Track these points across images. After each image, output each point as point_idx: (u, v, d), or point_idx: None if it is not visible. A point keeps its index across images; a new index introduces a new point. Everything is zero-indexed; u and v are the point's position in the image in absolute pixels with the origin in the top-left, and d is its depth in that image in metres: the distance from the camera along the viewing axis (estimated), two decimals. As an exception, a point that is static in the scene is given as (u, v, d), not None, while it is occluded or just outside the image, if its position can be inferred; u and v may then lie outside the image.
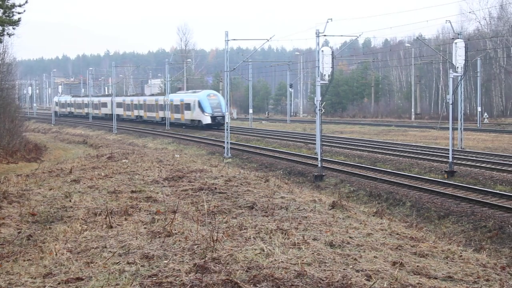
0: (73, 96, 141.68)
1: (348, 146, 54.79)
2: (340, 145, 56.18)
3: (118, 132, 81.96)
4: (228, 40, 51.56)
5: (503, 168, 39.07)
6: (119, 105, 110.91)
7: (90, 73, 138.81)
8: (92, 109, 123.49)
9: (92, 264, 12.83)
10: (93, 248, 14.23)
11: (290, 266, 12.47)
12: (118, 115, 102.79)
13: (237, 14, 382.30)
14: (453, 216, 27.21)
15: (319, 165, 38.81)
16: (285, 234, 15.34)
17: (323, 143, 43.56)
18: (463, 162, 41.84)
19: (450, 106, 39.42)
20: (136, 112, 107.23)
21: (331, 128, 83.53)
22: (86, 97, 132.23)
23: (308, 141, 59.35)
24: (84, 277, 11.96)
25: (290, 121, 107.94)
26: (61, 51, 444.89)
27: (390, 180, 36.54)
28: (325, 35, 42.42)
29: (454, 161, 39.18)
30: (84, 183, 24.96)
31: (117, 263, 12.77)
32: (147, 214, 17.97)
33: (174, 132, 79.89)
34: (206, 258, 12.81)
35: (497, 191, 32.06)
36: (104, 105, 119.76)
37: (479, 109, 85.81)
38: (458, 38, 40.60)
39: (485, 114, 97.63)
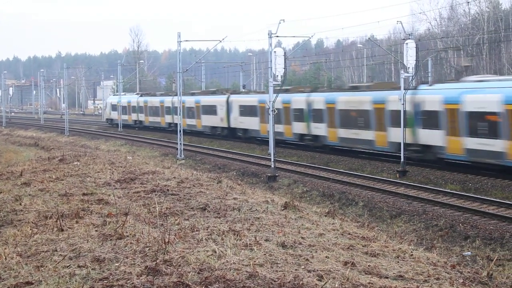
0: (142, 95, 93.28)
1: (301, 147, 54.90)
2: (291, 146, 56.31)
3: (70, 134, 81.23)
4: (180, 42, 51.44)
5: (454, 167, 39.49)
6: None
7: (42, 75, 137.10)
8: (187, 117, 73.56)
9: (42, 268, 12.67)
10: (43, 251, 14.06)
11: (242, 267, 12.45)
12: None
13: (189, 16, 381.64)
14: (405, 216, 27.43)
15: (272, 166, 38.87)
16: (237, 235, 15.32)
17: (276, 143, 43.64)
18: (415, 162, 42.17)
19: (402, 106, 39.70)
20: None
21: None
22: (167, 96, 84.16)
23: (261, 142, 59.38)
24: (34, 281, 11.81)
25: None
26: (12, 53, 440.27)
27: (343, 180, 36.74)
28: (277, 36, 42.51)
29: (406, 160, 39.50)
30: (35, 186, 24.67)
31: (67, 266, 12.63)
32: (99, 217, 17.81)
33: (126, 134, 79.41)
34: (158, 261, 12.73)
35: (448, 190, 32.43)
36: (213, 111, 69.05)
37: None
38: (409, 38, 40.90)
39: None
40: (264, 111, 54.04)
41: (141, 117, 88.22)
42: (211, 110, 68.76)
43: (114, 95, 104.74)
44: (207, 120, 69.88)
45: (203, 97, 72.55)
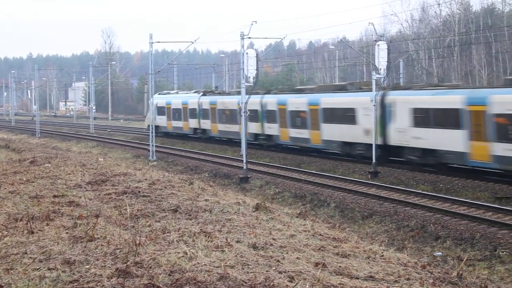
0: (205, 94, 70.31)
1: (273, 148, 54.96)
2: (264, 147, 56.35)
3: (42, 136, 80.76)
4: (152, 43, 51.32)
5: (425, 168, 39.69)
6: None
7: (13, 76, 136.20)
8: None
9: (12, 271, 12.59)
10: (13, 254, 13.95)
11: (213, 269, 12.44)
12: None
13: (162, 17, 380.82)
14: (376, 216, 27.54)
15: (245, 167, 38.87)
16: (208, 237, 15.32)
17: (249, 145, 43.67)
18: (386, 163, 42.36)
19: (373, 107, 39.87)
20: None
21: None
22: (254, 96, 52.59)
23: (234, 144, 59.37)
24: (3, 284, 11.74)
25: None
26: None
27: (315, 181, 36.83)
28: (250, 38, 42.65)
29: (378, 161, 39.68)
30: (5, 188, 24.47)
31: (37, 269, 12.55)
32: (69, 219, 17.71)
33: (98, 135, 79.09)
34: (128, 263, 12.70)
35: (419, 191, 32.61)
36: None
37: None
38: (381, 40, 41.09)
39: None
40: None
41: (205, 124, 65.71)
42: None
43: (159, 94, 79.63)
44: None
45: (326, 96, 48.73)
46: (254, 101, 52.24)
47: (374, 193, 32.51)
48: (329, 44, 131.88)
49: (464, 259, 18.64)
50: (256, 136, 56.55)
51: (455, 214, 27.03)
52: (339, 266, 13.44)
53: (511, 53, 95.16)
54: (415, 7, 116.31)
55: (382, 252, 15.59)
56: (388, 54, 39.63)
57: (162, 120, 75.09)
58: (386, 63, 39.33)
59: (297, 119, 50.47)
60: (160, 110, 75.33)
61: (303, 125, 49.57)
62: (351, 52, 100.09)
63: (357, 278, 12.78)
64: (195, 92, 74.77)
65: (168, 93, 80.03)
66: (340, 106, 45.68)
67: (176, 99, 74.53)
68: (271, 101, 54.50)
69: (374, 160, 39.17)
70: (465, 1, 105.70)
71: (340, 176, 38.47)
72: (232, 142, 61.10)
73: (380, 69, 39.08)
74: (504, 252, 21.08)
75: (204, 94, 68.91)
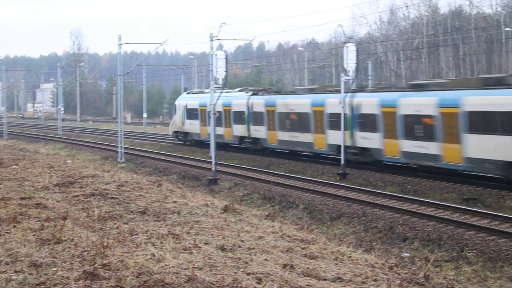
0: (256, 93, 56.06)
1: (242, 150, 54.99)
2: (234, 149, 56.39)
3: (9, 137, 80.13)
4: (121, 44, 51.13)
5: (393, 169, 39.94)
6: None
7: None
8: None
9: (-22, 274, 12.49)
10: (-21, 257, 13.84)
11: (181, 271, 12.43)
12: None
13: (131, 18, 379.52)
14: (345, 218, 27.62)
15: (213, 169, 38.84)
16: (176, 238, 15.30)
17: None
18: (355, 165, 42.54)
19: (342, 109, 40.04)
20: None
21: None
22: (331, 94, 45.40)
23: (202, 146, 59.31)
24: (-31, 287, 11.65)
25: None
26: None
27: (284, 183, 36.89)
28: (219, 39, 42.54)
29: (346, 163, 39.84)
30: (-29, 191, 24.29)
31: (3, 271, 12.45)
32: (37, 221, 17.59)
33: (66, 137, 78.63)
34: (96, 265, 12.64)
35: (388, 192, 32.78)
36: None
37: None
38: (350, 42, 41.27)
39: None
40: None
41: (258, 131, 52.73)
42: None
43: (188, 93, 68.31)
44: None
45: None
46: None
47: (342, 195, 32.63)
48: (298, 46, 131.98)
49: (431, 260, 18.74)
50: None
51: (423, 215, 27.19)
52: (307, 268, 13.48)
53: (478, 55, 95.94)
54: (384, 9, 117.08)
55: (350, 254, 15.66)
56: (357, 56, 39.79)
57: (193, 126, 61.28)
58: (355, 65, 39.48)
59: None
60: (191, 113, 61.78)
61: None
62: (320, 54, 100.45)
63: (325, 280, 12.82)
64: (240, 90, 59.15)
65: (202, 92, 65.22)
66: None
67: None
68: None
69: (342, 162, 39.32)
70: (433, 3, 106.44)
71: (309, 178, 38.56)
72: (299, 155, 49.92)
73: (349, 71, 39.23)
74: (471, 253, 21.25)
75: (255, 93, 54.65)
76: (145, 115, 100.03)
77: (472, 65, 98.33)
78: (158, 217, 18.55)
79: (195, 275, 12.08)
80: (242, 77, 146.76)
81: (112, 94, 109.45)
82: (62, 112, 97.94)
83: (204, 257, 13.66)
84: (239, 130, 55.10)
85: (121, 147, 51.44)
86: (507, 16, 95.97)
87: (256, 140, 53.03)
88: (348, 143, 41.27)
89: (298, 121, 47.42)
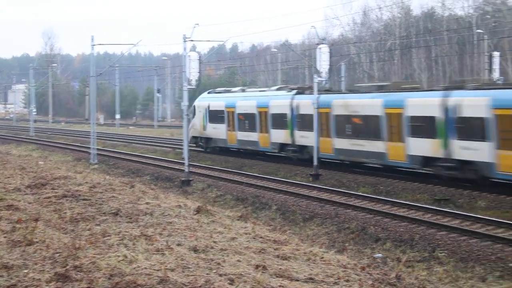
0: (305, 91, 46.64)
1: (215, 151, 54.94)
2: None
3: (-20, 139, 79.60)
4: (94, 45, 50.92)
5: (365, 170, 40.09)
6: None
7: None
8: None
9: None
10: (-51, 259, 13.75)
11: (153, 272, 12.43)
12: None
13: (104, 19, 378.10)
14: (317, 219, 27.66)
15: (187, 170, 38.78)
16: (149, 240, 15.29)
17: (190, 148, 43.59)
18: (328, 166, 42.67)
19: (315, 110, 40.14)
20: None
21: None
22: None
23: (176, 146, 59.22)
24: None
25: (157, 126, 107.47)
26: None
27: (257, 184, 36.90)
28: (192, 40, 42.45)
29: (319, 164, 39.93)
30: None
31: (-26, 273, 12.40)
32: (8, 223, 17.49)
33: (38, 138, 78.20)
34: (68, 267, 12.62)
35: (360, 193, 32.89)
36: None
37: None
38: (323, 43, 41.38)
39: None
40: None
41: (305, 138, 44.11)
42: None
43: (209, 92, 59.49)
44: None
45: None
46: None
47: (315, 196, 32.68)
48: (271, 47, 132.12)
49: (403, 261, 18.86)
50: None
51: (395, 216, 27.31)
52: (279, 269, 13.53)
53: (450, 57, 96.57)
54: (357, 11, 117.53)
55: (322, 254, 15.73)
56: (330, 57, 39.91)
57: (218, 130, 53.80)
58: (328, 66, 39.60)
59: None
60: (215, 116, 54.19)
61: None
62: (294, 55, 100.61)
63: (297, 280, 12.88)
64: (278, 89, 51.26)
65: (228, 91, 57.57)
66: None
67: (244, 99, 51.94)
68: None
69: (315, 163, 39.42)
70: (405, 5, 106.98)
71: (282, 179, 38.60)
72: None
73: (322, 72, 39.34)
74: (443, 253, 21.37)
75: (300, 92, 46.47)
76: (118, 116, 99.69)
77: (444, 67, 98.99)
78: (131, 218, 18.52)
79: (168, 277, 12.09)
80: (215, 78, 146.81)
81: (85, 95, 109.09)
82: (34, 113, 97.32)
83: (176, 258, 13.67)
84: (279, 136, 46.69)
85: (93, 148, 51.22)
86: (479, 18, 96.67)
87: (302, 148, 44.71)
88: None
89: (365, 126, 39.65)
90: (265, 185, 36.42)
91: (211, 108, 54.65)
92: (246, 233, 17.51)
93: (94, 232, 16.20)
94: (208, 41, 51.65)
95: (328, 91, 45.04)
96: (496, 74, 56.30)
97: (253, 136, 49.14)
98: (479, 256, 20.97)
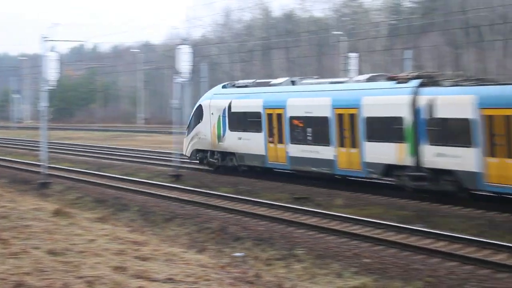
0: (440, 82, 30.20)
1: (75, 152, 54.20)
2: (67, 152, 55.50)
3: None
4: None
5: (226, 170, 40.39)
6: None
7: None
8: None
9: None
10: None
11: (9, 277, 12.17)
12: None
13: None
14: (178, 219, 27.63)
15: (45, 172, 38.03)
16: (4, 244, 14.94)
17: (49, 149, 42.73)
18: (189, 166, 42.72)
19: (176, 111, 40.16)
20: None
21: (59, 135, 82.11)
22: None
23: (34, 148, 58.00)
24: None
25: (16, 127, 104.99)
26: None
27: (117, 186, 36.56)
28: (51, 40, 41.66)
29: (180, 164, 39.95)
30: None
31: None
32: None
33: None
34: None
35: (221, 193, 33.06)
36: None
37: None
38: (184, 44, 41.40)
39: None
40: None
41: (455, 159, 28.11)
42: None
43: (224, 86, 42.62)
44: None
45: None
46: None
47: (176, 196, 32.67)
48: (133, 48, 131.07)
49: (263, 259, 19.10)
50: None
51: (255, 215, 27.60)
52: (139, 269, 13.48)
53: (309, 58, 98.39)
54: (219, 12, 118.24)
55: (183, 254, 15.77)
56: (192, 58, 39.97)
57: (248, 142, 38.30)
58: (189, 66, 39.64)
59: None
60: (242, 120, 39.07)
61: None
62: (156, 56, 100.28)
63: (156, 281, 12.86)
64: (369, 79, 34.33)
65: (265, 84, 40.29)
66: None
67: (302, 96, 35.84)
68: None
69: (176, 163, 39.43)
70: (266, 6, 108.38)
71: (143, 180, 38.39)
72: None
73: (183, 72, 39.35)
74: (301, 251, 21.74)
75: (423, 84, 30.18)
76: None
77: (303, 67, 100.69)
78: (-15, 222, 18.05)
79: (23, 281, 11.85)
80: (75, 79, 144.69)
81: None
82: None
83: (33, 262, 13.41)
84: (383, 152, 31.20)
85: None
86: (337, 20, 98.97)
87: (440, 173, 28.86)
88: None
89: None
90: (126, 187, 36.13)
91: (234, 110, 39.34)
92: (105, 235, 17.37)
93: None
94: (68, 41, 51.08)
95: (480, 80, 31.18)
96: (353, 75, 57.73)
97: (324, 152, 33.90)
98: (336, 252, 21.45)
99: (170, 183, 37.02)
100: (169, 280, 13.04)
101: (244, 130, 38.58)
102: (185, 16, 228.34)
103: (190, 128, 42.33)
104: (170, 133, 71.60)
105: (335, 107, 33.28)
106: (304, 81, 38.59)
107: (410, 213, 27.37)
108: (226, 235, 24.64)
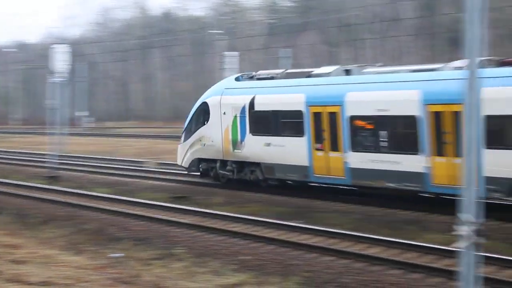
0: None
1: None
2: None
3: None
4: None
5: (103, 171, 40.10)
6: None
7: None
8: None
9: None
10: None
11: None
12: None
13: None
14: (56, 221, 27.22)
15: None
16: None
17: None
18: (66, 167, 42.20)
19: (53, 111, 39.58)
20: None
21: None
22: None
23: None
24: None
25: None
26: None
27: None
28: None
29: (58, 166, 39.39)
30: None
31: None
32: None
33: None
34: None
35: (99, 194, 32.81)
36: None
37: (82, 113, 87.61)
38: (60, 43, 40.86)
39: (91, 118, 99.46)
40: None
41: None
42: None
43: (237, 78, 34.44)
44: None
45: None
46: None
47: (53, 198, 32.20)
48: (7, 47, 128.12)
49: (142, 259, 19.05)
50: None
51: (134, 215, 27.50)
52: (14, 273, 13.28)
53: (190, 57, 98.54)
54: (97, 11, 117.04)
55: (59, 257, 15.59)
56: (68, 57, 39.45)
57: (282, 150, 30.73)
58: (65, 66, 39.11)
59: None
60: (272, 122, 31.50)
61: None
62: (33, 55, 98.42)
63: (32, 284, 12.69)
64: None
65: (288, 76, 32.41)
66: None
67: (370, 89, 27.92)
68: None
69: (53, 165, 38.94)
70: (143, 5, 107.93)
71: (20, 182, 37.60)
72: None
73: (58, 72, 38.79)
74: (181, 250, 21.80)
75: None
76: None
77: (184, 66, 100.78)
78: None
79: None
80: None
81: None
82: None
83: None
84: None
85: None
86: (216, 19, 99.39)
87: None
88: None
89: None
90: (1, 190, 35.31)
91: (258, 108, 31.70)
92: (-22, 240, 17.00)
93: None
94: None
95: None
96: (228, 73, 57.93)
97: (408, 162, 26.36)
98: (214, 251, 21.61)
99: (48, 185, 36.44)
100: (45, 283, 12.89)
101: (275, 134, 31.02)
102: (57, 15, 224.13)
103: (188, 132, 34.87)
104: (50, 133, 70.89)
105: (427, 102, 25.51)
106: (367, 70, 29.70)
107: (289, 209, 27.83)
108: (105, 236, 24.46)
